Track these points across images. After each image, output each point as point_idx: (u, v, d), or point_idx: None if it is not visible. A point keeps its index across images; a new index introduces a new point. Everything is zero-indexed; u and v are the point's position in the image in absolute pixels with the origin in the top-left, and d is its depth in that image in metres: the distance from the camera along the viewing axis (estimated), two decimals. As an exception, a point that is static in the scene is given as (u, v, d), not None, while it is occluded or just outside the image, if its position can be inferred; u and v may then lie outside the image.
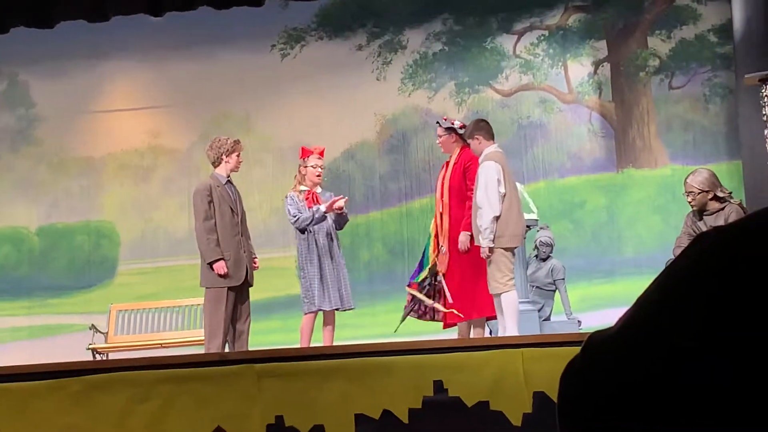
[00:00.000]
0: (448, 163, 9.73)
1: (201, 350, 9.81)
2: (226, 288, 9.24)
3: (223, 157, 9.55)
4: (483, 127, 9.34)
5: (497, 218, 8.84)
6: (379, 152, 14.72)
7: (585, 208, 14.19)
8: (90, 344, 12.57)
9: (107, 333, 12.99)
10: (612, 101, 14.44)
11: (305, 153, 9.99)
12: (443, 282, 9.44)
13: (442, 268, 9.41)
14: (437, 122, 9.99)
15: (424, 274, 9.65)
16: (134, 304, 13.54)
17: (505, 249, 8.89)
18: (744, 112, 12.74)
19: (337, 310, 9.70)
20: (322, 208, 9.66)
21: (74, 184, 15.17)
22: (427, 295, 9.59)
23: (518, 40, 14.76)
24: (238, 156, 9.59)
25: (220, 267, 9.21)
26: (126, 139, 15.15)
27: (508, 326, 8.81)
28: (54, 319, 14.65)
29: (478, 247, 9.04)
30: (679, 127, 14.22)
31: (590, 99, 14.49)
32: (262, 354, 6.98)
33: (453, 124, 9.75)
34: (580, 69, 14.59)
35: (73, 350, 12.37)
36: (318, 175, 9.91)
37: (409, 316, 9.76)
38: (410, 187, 14.20)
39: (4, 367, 7.74)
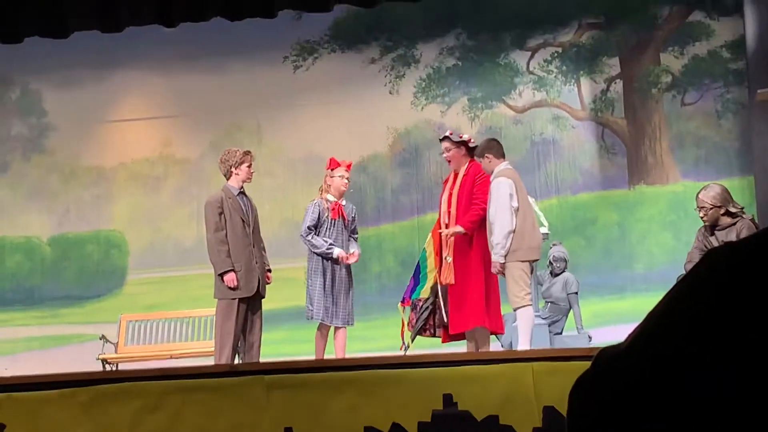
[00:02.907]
0: (456, 176, 9.65)
1: (211, 361, 9.81)
2: (237, 299, 9.25)
3: (233, 169, 9.56)
4: (493, 146, 9.36)
5: (511, 233, 8.86)
6: (391, 165, 14.73)
7: (597, 225, 14.18)
8: (100, 354, 12.58)
9: (117, 343, 13.00)
10: (624, 118, 14.43)
11: (334, 164, 10.01)
12: (441, 298, 9.47)
13: (448, 278, 9.33)
14: (446, 136, 9.88)
15: (426, 293, 9.66)
16: (144, 314, 13.55)
17: (522, 262, 8.90)
18: (757, 128, 12.73)
19: (337, 327, 9.73)
20: (335, 254, 9.68)
21: (85, 194, 15.21)
22: (429, 313, 9.62)
23: (532, 56, 14.77)
24: (249, 167, 9.59)
25: (231, 279, 9.22)
26: (137, 149, 15.19)
27: (520, 341, 8.82)
28: (65, 329, 14.68)
29: (483, 260, 9.11)
30: (691, 143, 14.20)
31: (603, 116, 14.49)
32: (271, 365, 6.99)
33: (462, 137, 9.73)
34: (593, 86, 14.59)
35: (84, 360, 12.40)
36: (345, 185, 9.96)
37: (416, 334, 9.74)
38: (422, 201, 14.20)
39: (16, 377, 7.77)
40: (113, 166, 15.22)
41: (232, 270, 9.26)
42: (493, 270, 8.94)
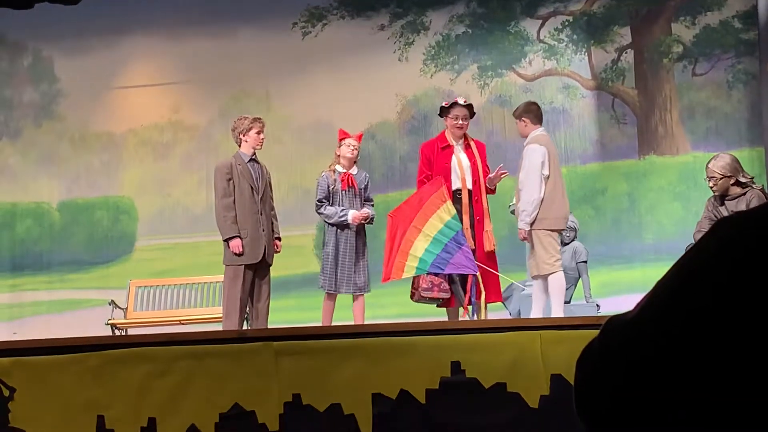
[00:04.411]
0: (467, 145, 9.58)
1: (220, 327, 9.85)
2: (243, 266, 9.27)
3: (241, 136, 9.60)
4: (532, 110, 9.26)
5: (538, 201, 8.84)
6: (400, 133, 14.71)
7: (606, 195, 14.15)
8: (109, 319, 12.62)
9: (126, 308, 13.04)
10: (635, 88, 14.38)
11: (342, 135, 9.99)
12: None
13: (489, 245, 9.27)
14: (466, 100, 9.78)
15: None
16: (153, 280, 13.59)
17: (550, 231, 8.90)
18: (767, 99, 12.68)
19: (356, 294, 9.73)
20: (350, 217, 9.68)
21: (95, 160, 15.24)
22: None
23: (542, 25, 14.71)
24: (258, 133, 9.60)
25: (236, 245, 9.25)
26: (147, 115, 15.21)
27: (554, 307, 8.85)
28: (74, 294, 14.74)
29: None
30: (701, 114, 14.15)
31: (613, 85, 14.44)
32: (280, 332, 7.00)
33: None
34: (603, 55, 14.53)
35: (93, 325, 12.46)
36: (352, 153, 9.89)
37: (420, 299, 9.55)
38: (431, 169, 14.18)
39: (25, 341, 7.81)
40: (123, 132, 15.24)
41: (238, 236, 9.29)
42: (519, 237, 8.97)
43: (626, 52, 14.47)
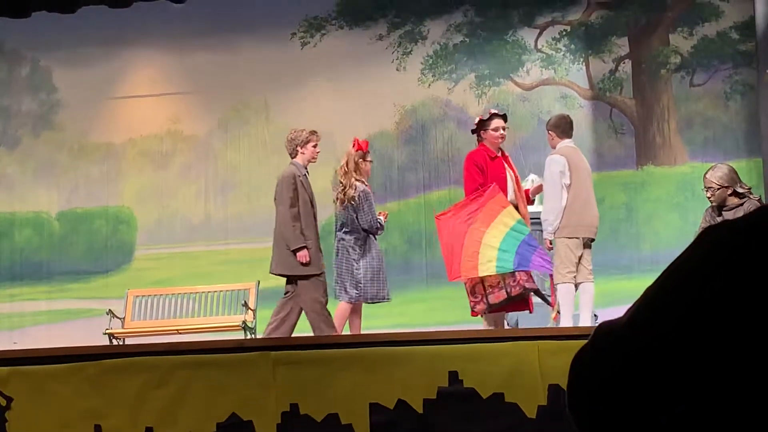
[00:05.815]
0: (505, 156, 9.61)
1: (216, 337, 9.85)
2: (317, 275, 9.30)
3: (299, 148, 9.66)
4: (560, 125, 9.53)
5: (558, 210, 8.94)
6: (398, 142, 14.70)
7: (604, 205, 14.08)
8: (107, 329, 12.62)
9: (124, 318, 13.04)
10: (633, 98, 14.39)
11: (365, 147, 10.04)
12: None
13: None
14: (500, 111, 9.87)
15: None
16: (151, 289, 13.59)
17: (569, 238, 8.96)
18: (765, 109, 12.69)
19: (383, 301, 9.79)
20: (383, 222, 9.88)
21: (94, 170, 15.22)
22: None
23: (540, 34, 14.71)
24: (314, 147, 9.69)
25: (304, 255, 9.23)
26: (146, 126, 15.19)
27: (562, 317, 8.91)
28: (72, 303, 14.72)
29: None
30: (699, 125, 14.16)
31: (611, 95, 14.44)
32: (278, 342, 7.02)
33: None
34: (601, 65, 14.53)
35: (91, 335, 12.44)
36: (369, 170, 10.08)
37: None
38: (428, 179, 14.18)
39: (22, 350, 7.82)
40: (122, 142, 15.22)
41: (305, 246, 9.27)
42: (545, 246, 9.09)
43: (624, 63, 14.49)
